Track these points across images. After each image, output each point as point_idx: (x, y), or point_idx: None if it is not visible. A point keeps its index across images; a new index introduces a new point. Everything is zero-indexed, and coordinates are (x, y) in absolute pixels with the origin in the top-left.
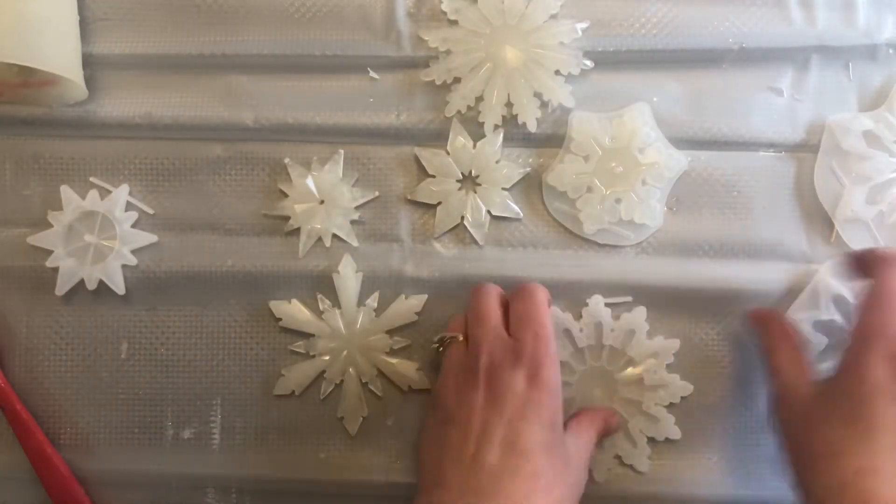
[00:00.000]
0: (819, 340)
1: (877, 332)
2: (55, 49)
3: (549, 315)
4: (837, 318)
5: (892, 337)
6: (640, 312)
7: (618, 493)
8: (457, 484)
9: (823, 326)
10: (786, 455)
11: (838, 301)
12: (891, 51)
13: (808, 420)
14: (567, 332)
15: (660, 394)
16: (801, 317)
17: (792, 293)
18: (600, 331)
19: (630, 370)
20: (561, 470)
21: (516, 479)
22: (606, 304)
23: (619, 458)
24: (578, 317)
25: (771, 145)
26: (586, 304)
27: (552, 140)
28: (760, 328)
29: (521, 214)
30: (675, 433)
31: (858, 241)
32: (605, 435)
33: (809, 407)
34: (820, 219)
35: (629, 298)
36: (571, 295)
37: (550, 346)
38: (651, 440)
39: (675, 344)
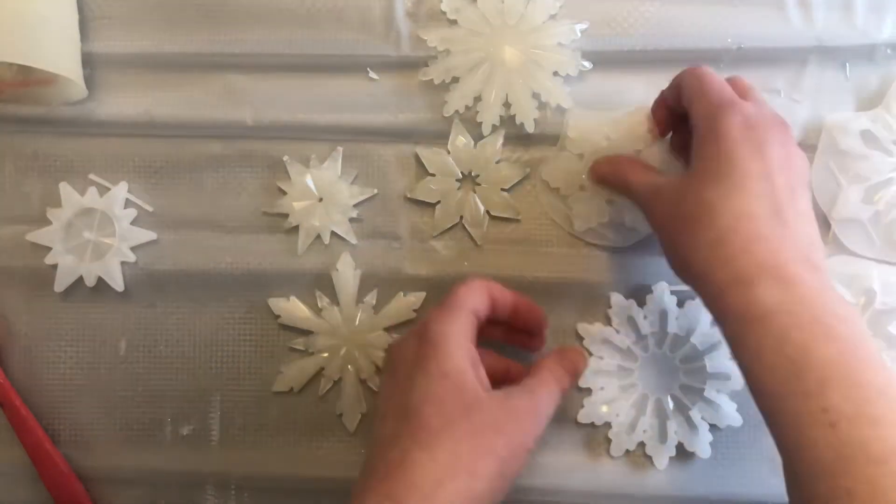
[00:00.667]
0: None
1: (726, 99)
2: (55, 48)
3: (471, 292)
4: None
5: (736, 100)
6: None
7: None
8: (365, 469)
9: None
10: (667, 244)
11: None
12: (888, 51)
13: (682, 196)
14: (631, 320)
15: (722, 381)
16: None
17: None
18: (665, 318)
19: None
20: (455, 418)
21: (398, 441)
22: (672, 292)
23: (643, 445)
24: (642, 304)
25: None
26: (651, 292)
27: (551, 141)
28: (606, 176)
29: (520, 214)
30: (737, 420)
31: (855, 241)
32: (575, 376)
33: (679, 188)
34: (817, 218)
35: None
36: (572, 295)
37: (451, 311)
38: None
39: None
